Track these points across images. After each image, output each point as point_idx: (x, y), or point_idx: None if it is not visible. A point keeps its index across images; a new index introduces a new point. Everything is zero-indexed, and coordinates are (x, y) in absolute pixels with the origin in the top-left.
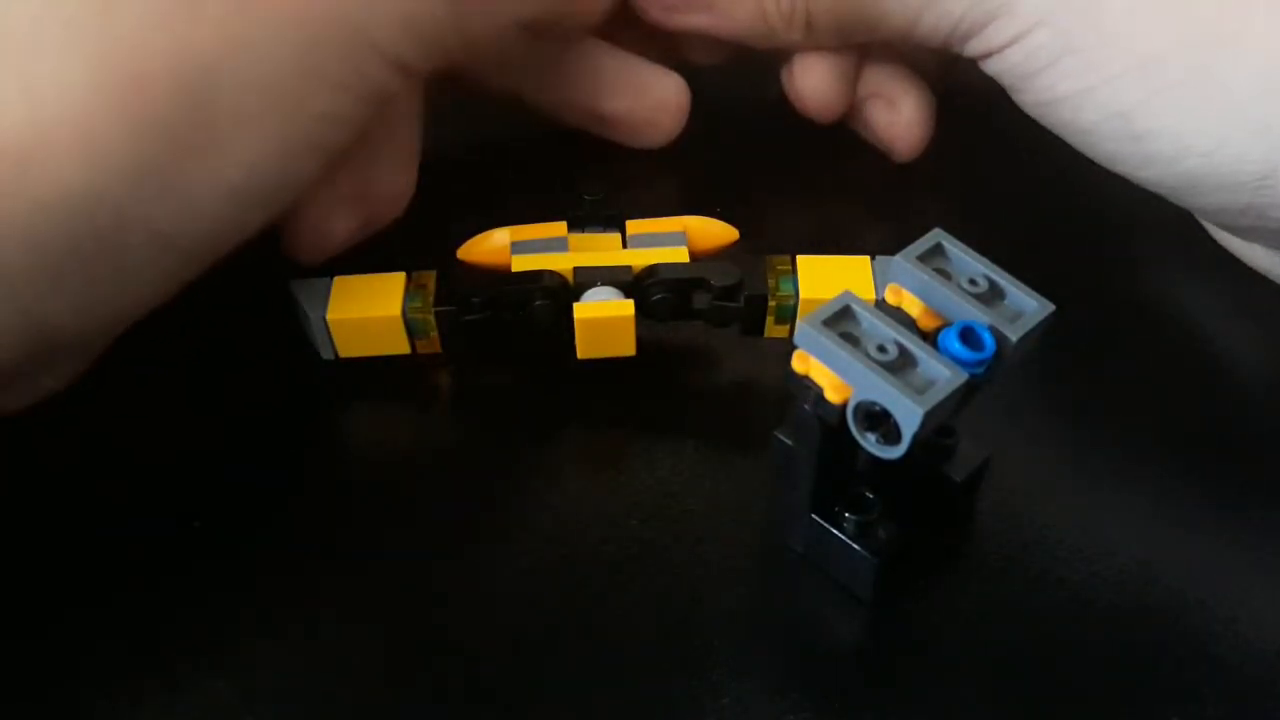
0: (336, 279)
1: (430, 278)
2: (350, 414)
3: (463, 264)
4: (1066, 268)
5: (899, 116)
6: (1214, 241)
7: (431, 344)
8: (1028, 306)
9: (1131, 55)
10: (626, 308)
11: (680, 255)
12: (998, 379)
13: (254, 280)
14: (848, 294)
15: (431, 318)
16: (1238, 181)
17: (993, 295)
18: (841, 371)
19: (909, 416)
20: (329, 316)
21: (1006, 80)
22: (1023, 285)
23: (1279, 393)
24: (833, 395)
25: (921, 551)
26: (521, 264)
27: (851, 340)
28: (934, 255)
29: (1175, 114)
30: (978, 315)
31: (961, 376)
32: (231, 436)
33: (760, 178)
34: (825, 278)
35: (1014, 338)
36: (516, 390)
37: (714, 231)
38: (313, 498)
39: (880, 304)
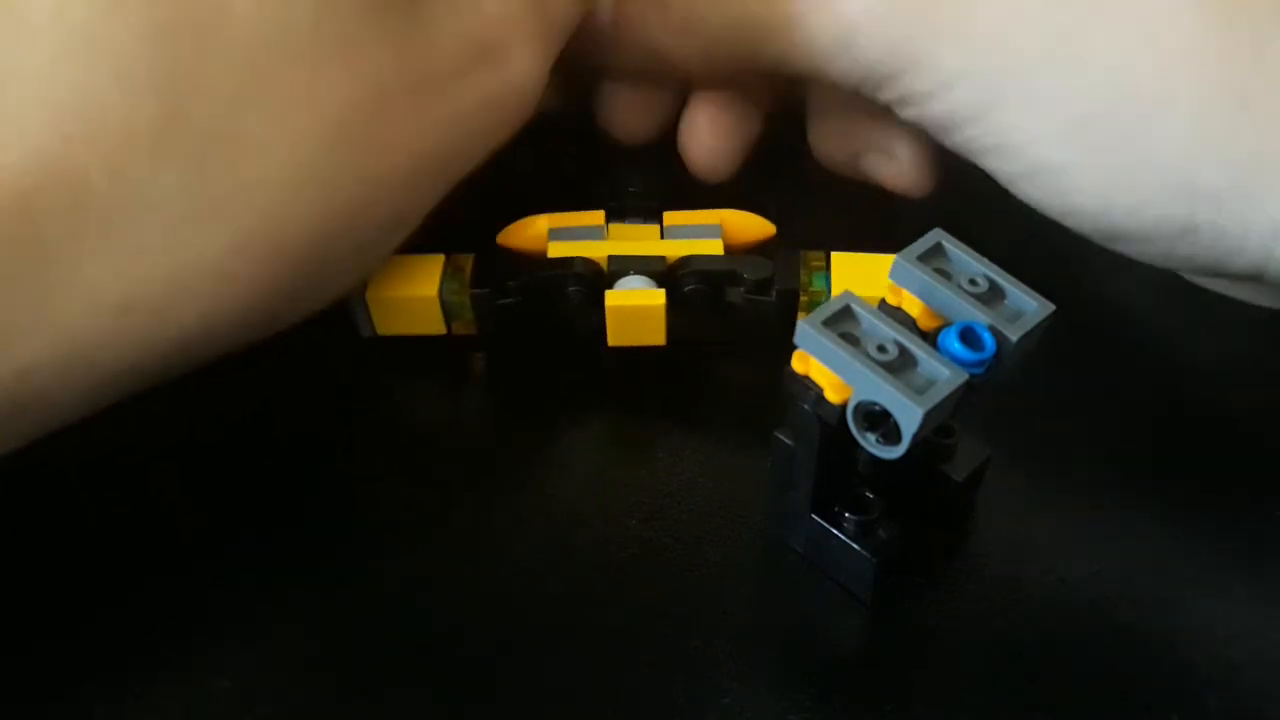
0: None
1: (468, 261)
2: (375, 398)
3: (502, 249)
4: (1067, 268)
5: (899, 165)
6: None
7: (467, 326)
8: (1028, 306)
9: (1060, 117)
10: (657, 297)
11: (715, 248)
12: (998, 379)
13: None
14: (848, 294)
15: (467, 300)
16: (1160, 233)
17: (993, 295)
18: (841, 371)
19: (909, 416)
20: (368, 294)
21: (928, 128)
22: (1023, 285)
23: (1278, 394)
24: (833, 395)
25: (921, 551)
26: (558, 250)
27: (851, 340)
28: (934, 255)
29: (1103, 174)
30: (978, 315)
31: (961, 376)
32: (260, 413)
33: (801, 176)
34: (859, 275)
35: (1014, 338)
36: (519, 389)
37: (751, 226)
38: (307, 500)
39: (880, 304)
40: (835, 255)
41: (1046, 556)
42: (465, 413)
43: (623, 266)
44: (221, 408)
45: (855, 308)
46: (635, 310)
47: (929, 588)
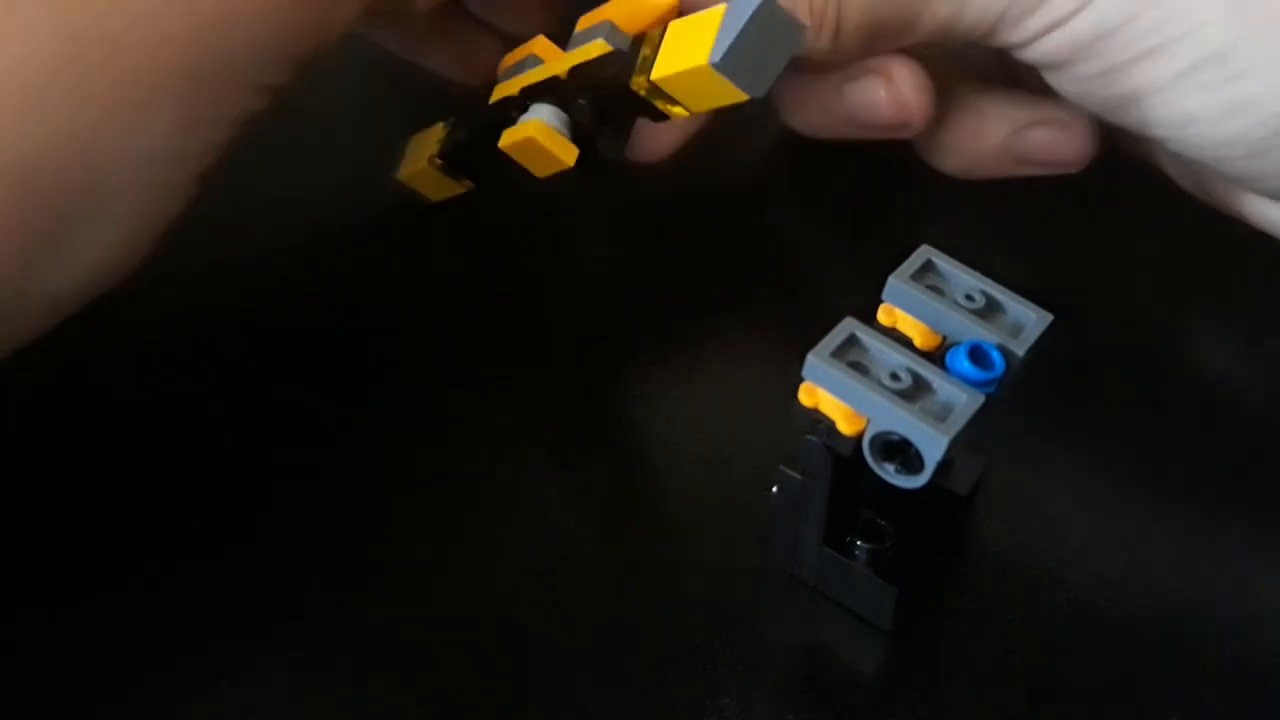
0: (413, 138)
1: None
2: (373, 394)
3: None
4: (1060, 271)
5: (1071, 132)
6: (1212, 244)
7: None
8: (1027, 319)
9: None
10: (530, 129)
11: (600, 48)
12: (1005, 394)
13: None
14: (850, 321)
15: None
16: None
17: (990, 309)
18: (856, 403)
19: (932, 446)
20: (400, 175)
21: (1066, 54)
22: (1017, 296)
23: (1276, 394)
24: (846, 427)
25: (929, 569)
26: (501, 91)
27: (860, 369)
28: (925, 272)
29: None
30: (982, 334)
31: (978, 399)
32: (253, 409)
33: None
34: (678, 46)
35: (1020, 352)
36: (519, 389)
37: (644, 7)
38: (309, 493)
39: (874, 324)
40: (672, 24)
41: (1046, 558)
42: (465, 414)
43: (533, 97)
44: (219, 403)
45: (860, 335)
46: (523, 144)
47: (930, 596)
